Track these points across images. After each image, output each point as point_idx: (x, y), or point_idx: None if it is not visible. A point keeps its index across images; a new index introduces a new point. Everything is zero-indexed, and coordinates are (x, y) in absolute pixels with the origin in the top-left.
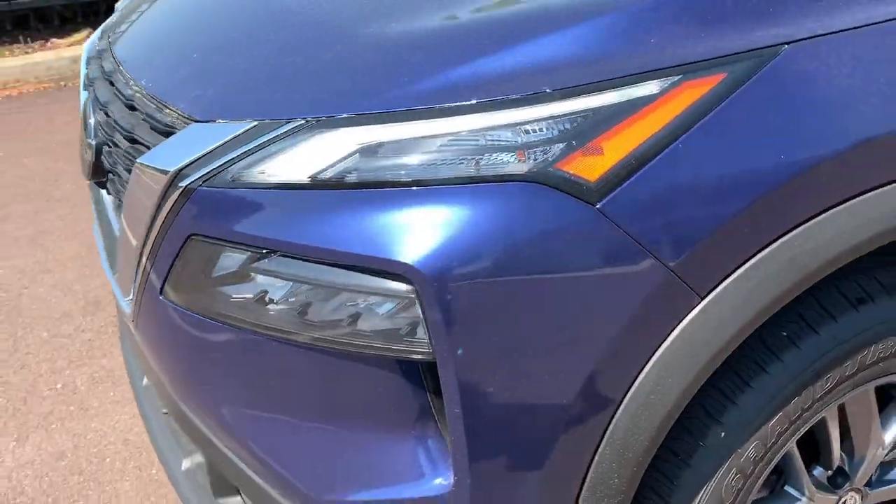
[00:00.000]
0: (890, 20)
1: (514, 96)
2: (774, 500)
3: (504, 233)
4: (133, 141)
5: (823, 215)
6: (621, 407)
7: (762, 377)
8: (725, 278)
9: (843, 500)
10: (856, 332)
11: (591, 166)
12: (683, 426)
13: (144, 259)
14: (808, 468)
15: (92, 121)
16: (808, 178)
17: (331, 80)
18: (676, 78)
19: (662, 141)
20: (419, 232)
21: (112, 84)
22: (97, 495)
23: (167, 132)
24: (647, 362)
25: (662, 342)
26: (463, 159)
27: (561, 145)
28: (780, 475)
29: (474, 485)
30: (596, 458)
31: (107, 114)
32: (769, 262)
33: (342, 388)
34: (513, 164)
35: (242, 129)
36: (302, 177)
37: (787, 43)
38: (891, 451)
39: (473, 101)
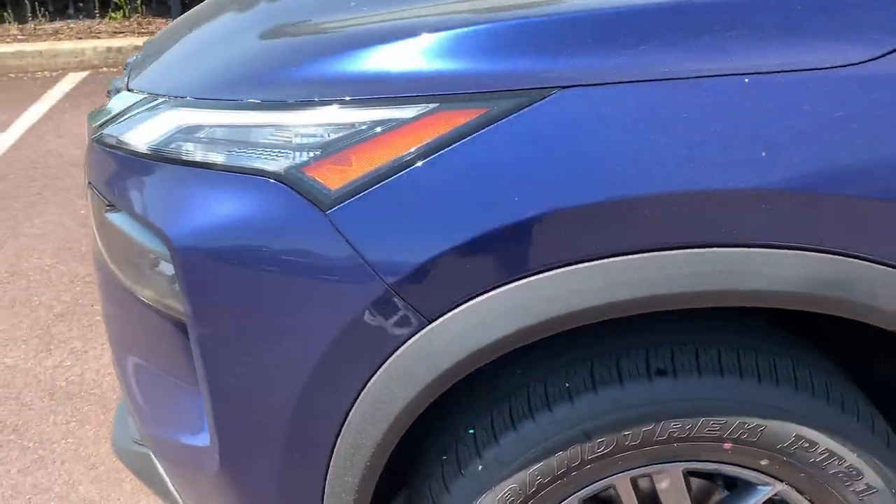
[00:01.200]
0: (671, 79)
1: (288, 101)
2: None
3: (245, 222)
4: None
5: (565, 269)
6: (353, 408)
7: (528, 422)
8: (454, 308)
9: None
10: (642, 403)
11: (335, 175)
12: (452, 450)
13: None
14: None
15: None
16: (543, 228)
17: (197, 72)
18: (433, 106)
19: (404, 163)
20: (182, 205)
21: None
22: None
23: None
24: (376, 370)
25: (391, 354)
26: (235, 149)
27: (316, 151)
28: None
29: (222, 445)
30: (333, 453)
31: None
32: (498, 302)
33: (158, 340)
34: (270, 161)
35: (138, 98)
36: (142, 145)
37: (560, 87)
38: None
39: (258, 101)
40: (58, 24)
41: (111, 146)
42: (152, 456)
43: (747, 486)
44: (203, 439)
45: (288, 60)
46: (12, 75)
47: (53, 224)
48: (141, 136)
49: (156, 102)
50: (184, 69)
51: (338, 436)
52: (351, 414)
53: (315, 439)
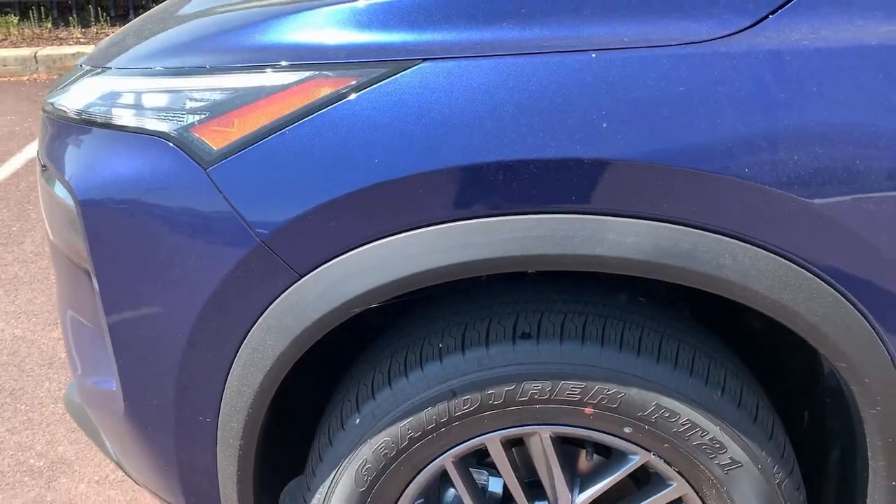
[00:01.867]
0: (524, 53)
1: (185, 68)
2: None
3: (139, 178)
4: None
5: (423, 230)
6: (236, 357)
7: (401, 379)
8: (322, 263)
9: None
10: (504, 364)
11: (218, 136)
12: (338, 406)
13: None
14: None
15: None
16: (401, 190)
17: (128, 47)
18: (310, 73)
19: (280, 125)
20: (90, 162)
21: None
22: None
23: None
24: (254, 321)
25: (267, 306)
26: (140, 113)
27: (203, 114)
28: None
29: (125, 388)
30: (222, 399)
31: None
32: (362, 259)
33: (81, 291)
34: (164, 123)
35: (84, 71)
36: (70, 110)
37: (423, 59)
38: None
39: (162, 68)
40: (119, 28)
41: (49, 112)
42: (90, 412)
43: (617, 456)
44: (111, 383)
45: (191, 35)
46: None
47: None
48: (71, 101)
49: (90, 73)
50: (121, 45)
51: (224, 382)
52: (234, 362)
53: (204, 385)
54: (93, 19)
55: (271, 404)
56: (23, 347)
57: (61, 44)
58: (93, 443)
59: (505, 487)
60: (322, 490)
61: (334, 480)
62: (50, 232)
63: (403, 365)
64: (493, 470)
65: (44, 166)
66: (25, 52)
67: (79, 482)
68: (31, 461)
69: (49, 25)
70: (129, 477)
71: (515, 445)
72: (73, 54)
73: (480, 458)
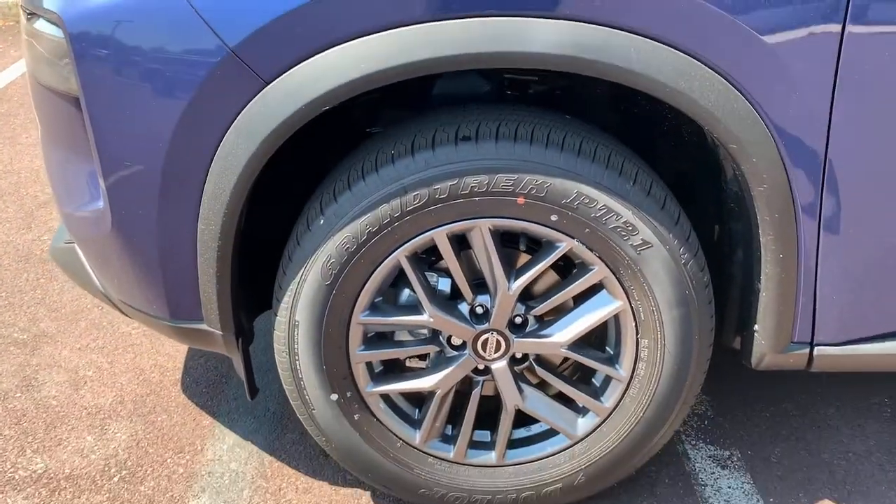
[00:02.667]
0: None
1: None
2: (394, 308)
3: (116, 3)
4: None
5: (376, 35)
6: (213, 162)
7: (360, 183)
8: (286, 70)
9: (483, 337)
10: (448, 162)
11: None
12: (305, 213)
13: None
14: (455, 296)
15: None
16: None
17: None
18: None
19: None
20: None
21: None
22: None
23: None
24: (227, 128)
25: (238, 113)
26: None
27: None
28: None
29: (112, 204)
30: (200, 203)
31: None
32: (322, 63)
33: (68, 125)
34: None
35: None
36: None
37: None
38: (538, 305)
39: None
40: None
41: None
42: (76, 249)
43: (546, 246)
44: (98, 203)
45: None
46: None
47: None
48: None
49: None
50: None
51: (202, 187)
52: (211, 167)
53: (184, 192)
54: None
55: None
56: None
57: None
58: (78, 284)
59: (452, 286)
60: (292, 287)
61: (302, 277)
62: (37, 75)
63: (361, 171)
64: (442, 273)
65: (30, 14)
66: None
67: (61, 349)
68: (15, 335)
69: None
70: (114, 304)
71: (462, 249)
72: None
73: (431, 264)
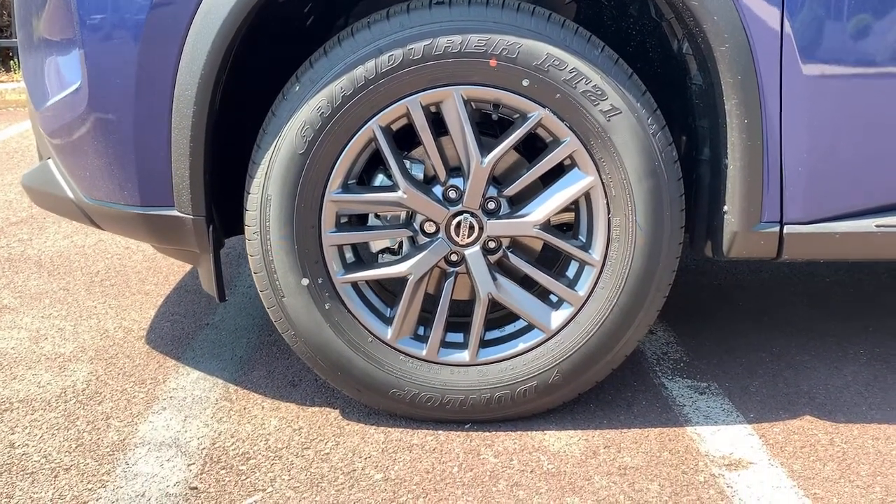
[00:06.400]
0: None
1: None
2: (370, 187)
3: None
4: None
5: None
6: (190, 26)
7: (336, 48)
8: None
9: (456, 220)
10: (423, 23)
11: None
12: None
13: None
14: (429, 180)
15: None
16: None
17: None
18: None
19: None
20: None
21: None
22: None
23: None
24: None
25: None
26: None
27: None
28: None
29: (90, 79)
30: (177, 72)
31: None
32: None
33: (50, 18)
34: None
35: None
36: None
37: None
38: (511, 183)
39: None
40: None
41: None
42: (49, 163)
43: (519, 120)
44: (75, 81)
45: None
46: (11, 108)
47: None
48: None
49: None
50: None
51: (180, 54)
52: (189, 30)
53: (161, 61)
54: None
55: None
56: None
57: (1, 83)
58: (49, 207)
59: (425, 175)
60: (265, 160)
61: (276, 147)
62: None
63: (338, 39)
64: (416, 161)
65: None
66: None
67: (23, 317)
68: None
69: None
70: (85, 214)
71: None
72: (13, 89)
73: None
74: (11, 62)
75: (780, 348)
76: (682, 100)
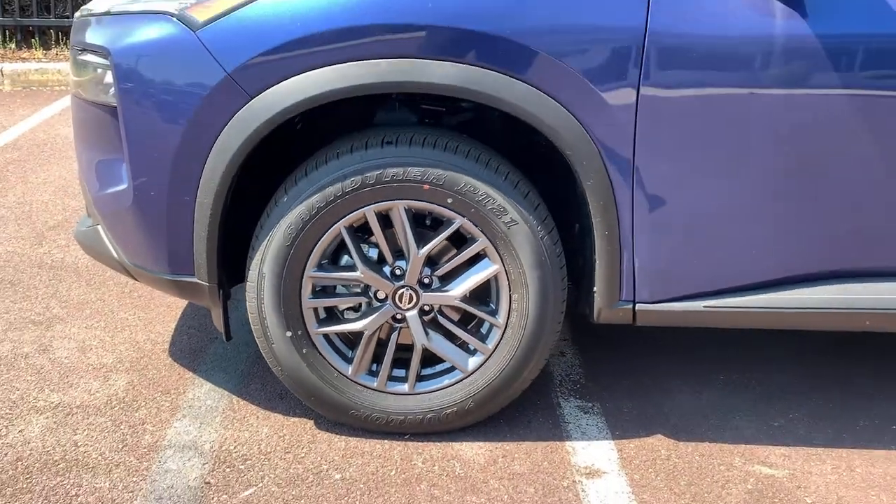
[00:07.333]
0: None
1: None
2: (336, 266)
3: (153, 39)
4: None
5: (325, 68)
6: (210, 153)
7: (314, 171)
8: (266, 89)
9: (399, 292)
10: (376, 158)
11: (203, 11)
12: (272, 199)
13: None
14: (381, 262)
15: None
16: (306, 43)
17: None
18: None
19: (238, 6)
20: (119, 34)
21: None
22: None
23: None
24: (222, 128)
25: (230, 118)
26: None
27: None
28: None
29: (135, 183)
30: (200, 183)
31: None
32: (287, 85)
33: (101, 130)
34: (168, 5)
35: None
36: (99, 9)
37: None
38: (441, 266)
39: None
40: None
41: (83, 15)
42: (98, 228)
43: (445, 223)
44: (123, 184)
45: None
46: (34, 88)
47: (54, 176)
48: (97, 7)
49: None
50: None
51: (201, 171)
52: (209, 157)
53: (187, 175)
54: (53, 42)
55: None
56: (15, 257)
57: (24, 61)
58: (97, 258)
59: (379, 255)
60: (261, 248)
61: (270, 239)
62: (81, 92)
63: (315, 164)
64: (371, 245)
65: (79, 50)
66: None
67: (70, 327)
68: (33, 317)
69: (13, 47)
70: (126, 269)
71: (385, 229)
72: (36, 69)
73: (364, 240)
74: (33, 39)
75: (661, 373)
76: (576, 202)
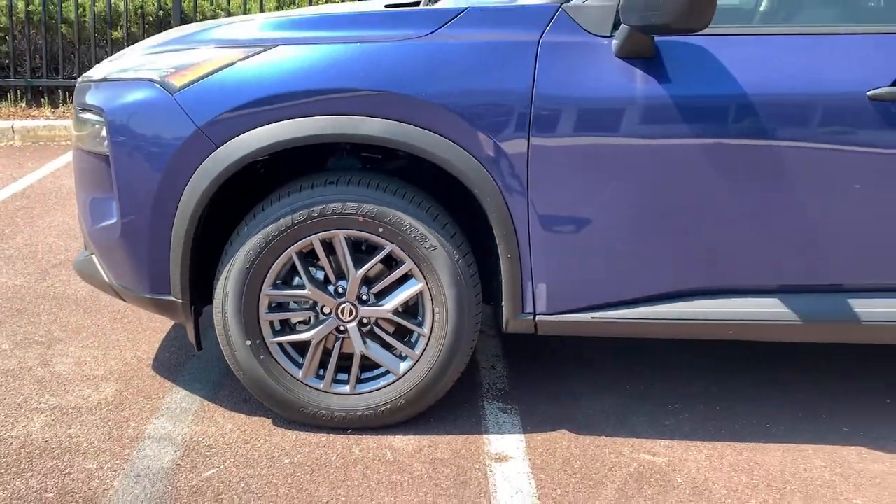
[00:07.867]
0: (327, 42)
1: (167, 48)
2: (288, 285)
3: (138, 101)
4: None
5: (277, 123)
6: (183, 193)
7: (270, 207)
8: (229, 140)
9: (341, 307)
10: (321, 195)
11: (180, 78)
12: (235, 230)
13: None
14: (326, 282)
15: None
16: (264, 104)
17: (152, 41)
18: (217, 49)
19: (208, 73)
20: (111, 96)
21: None
22: None
23: None
24: (193, 172)
25: (199, 164)
26: (140, 70)
27: (172, 69)
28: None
29: (122, 218)
30: (175, 217)
31: None
32: (246, 137)
33: (96, 175)
34: (153, 73)
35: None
36: (97, 76)
37: (280, 45)
38: (375, 285)
39: (155, 49)
40: None
41: (83, 81)
42: (93, 258)
43: (378, 249)
44: (113, 219)
45: (163, 37)
46: (43, 143)
47: (59, 221)
48: (96, 73)
49: (108, 63)
50: (150, 41)
51: (177, 207)
52: (182, 196)
53: (165, 210)
54: (61, 101)
55: (205, 241)
56: (22, 291)
57: (34, 119)
58: (91, 283)
59: (324, 276)
60: (225, 270)
61: (232, 263)
62: (81, 144)
63: (270, 200)
64: (318, 267)
65: (80, 109)
66: (4, 124)
67: (69, 346)
68: (36, 339)
69: (24, 105)
70: (115, 291)
71: (329, 254)
72: (44, 126)
73: (312, 263)
74: (42, 98)
75: (576, 382)
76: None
